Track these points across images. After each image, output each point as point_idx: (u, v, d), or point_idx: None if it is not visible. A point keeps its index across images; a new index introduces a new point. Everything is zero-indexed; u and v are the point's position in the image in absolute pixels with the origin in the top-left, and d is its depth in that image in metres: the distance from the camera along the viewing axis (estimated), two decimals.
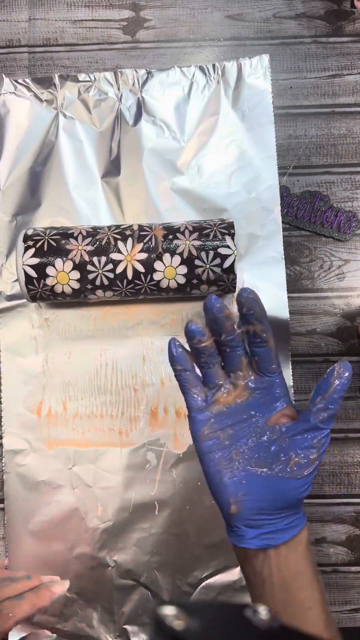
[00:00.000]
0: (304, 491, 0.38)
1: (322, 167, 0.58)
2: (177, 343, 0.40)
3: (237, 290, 0.50)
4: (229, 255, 0.49)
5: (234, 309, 0.56)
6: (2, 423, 0.56)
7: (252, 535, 0.37)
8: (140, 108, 0.58)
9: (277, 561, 0.38)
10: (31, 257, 0.49)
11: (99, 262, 0.49)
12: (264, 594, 0.38)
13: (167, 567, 0.55)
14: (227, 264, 0.49)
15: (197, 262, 0.49)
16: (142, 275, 0.49)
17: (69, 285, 0.49)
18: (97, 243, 0.49)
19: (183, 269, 0.49)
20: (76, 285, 0.50)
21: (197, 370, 0.40)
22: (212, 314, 0.38)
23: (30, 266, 0.49)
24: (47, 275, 0.49)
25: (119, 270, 0.49)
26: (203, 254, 0.49)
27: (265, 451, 0.39)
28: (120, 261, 0.49)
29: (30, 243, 0.49)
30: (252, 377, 0.40)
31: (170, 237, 0.50)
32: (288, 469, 0.37)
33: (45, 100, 0.58)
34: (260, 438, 0.39)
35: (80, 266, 0.49)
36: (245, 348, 0.40)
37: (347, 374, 0.37)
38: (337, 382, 0.37)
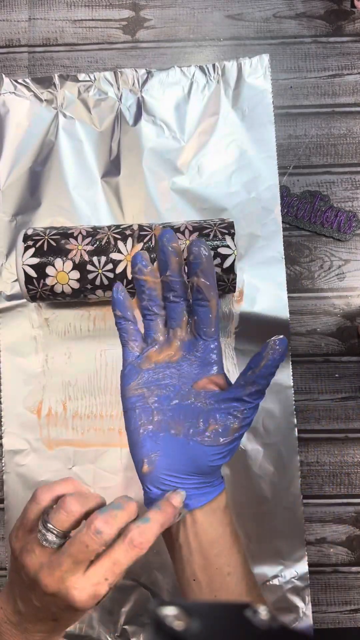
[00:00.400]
0: (218, 460, 0.37)
1: (322, 167, 0.58)
2: (121, 287, 0.40)
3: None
4: (229, 255, 0.49)
5: (234, 308, 0.56)
6: (2, 423, 0.56)
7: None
8: (140, 108, 0.58)
9: (193, 527, 0.38)
10: (31, 257, 0.49)
11: (99, 262, 0.49)
12: (182, 559, 0.38)
13: (167, 567, 0.55)
14: (227, 263, 0.49)
15: None
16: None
17: (69, 285, 0.49)
18: (97, 243, 0.49)
19: None
20: (76, 285, 0.50)
21: (140, 326, 0.41)
22: (161, 243, 0.37)
23: (30, 266, 0.49)
24: (47, 275, 0.49)
25: (118, 270, 0.49)
26: None
27: (186, 415, 0.38)
28: (120, 261, 0.49)
29: (30, 243, 0.49)
30: (187, 339, 0.40)
31: None
32: (205, 435, 0.37)
33: (45, 100, 0.58)
34: (184, 401, 0.39)
35: (80, 266, 0.49)
36: (190, 306, 0.39)
37: (280, 349, 0.36)
38: (269, 356, 0.36)
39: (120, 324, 0.40)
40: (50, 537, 0.34)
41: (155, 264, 0.39)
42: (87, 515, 0.35)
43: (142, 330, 0.41)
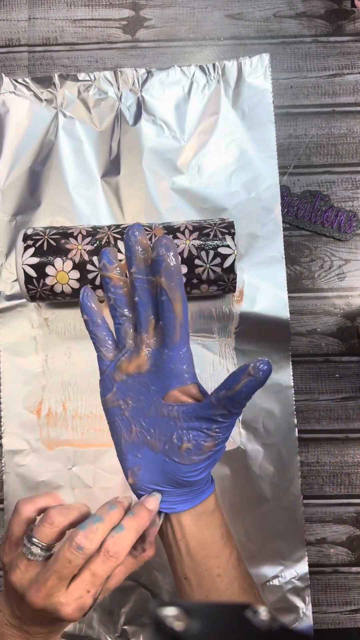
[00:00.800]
0: (195, 476, 0.37)
1: (323, 166, 0.58)
2: (89, 291, 0.39)
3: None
4: (229, 255, 0.49)
5: (234, 308, 0.56)
6: (2, 423, 0.56)
7: None
8: (140, 107, 0.58)
9: (180, 530, 0.38)
10: (31, 256, 0.49)
11: (99, 262, 0.49)
12: (173, 558, 0.39)
13: (167, 568, 0.54)
14: (227, 263, 0.49)
15: (197, 261, 0.49)
16: None
17: (69, 284, 0.49)
18: (97, 242, 0.49)
19: (183, 269, 0.49)
20: (76, 285, 0.49)
21: (110, 331, 0.39)
22: (126, 237, 0.36)
23: (30, 266, 0.49)
24: (47, 275, 0.49)
25: None
26: (203, 254, 0.49)
27: (160, 430, 0.37)
28: (120, 261, 0.49)
29: (30, 242, 0.49)
30: (154, 346, 0.37)
31: (170, 236, 0.49)
32: (179, 454, 0.36)
33: (45, 100, 0.58)
34: (158, 415, 0.37)
35: (80, 266, 0.49)
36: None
37: (260, 377, 0.32)
38: (245, 382, 0.32)
39: (89, 328, 0.39)
40: (35, 550, 0.34)
41: (123, 261, 0.37)
42: (71, 526, 0.35)
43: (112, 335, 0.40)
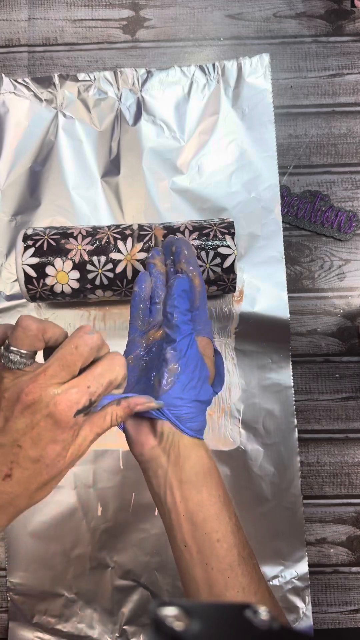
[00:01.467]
0: (178, 399, 0.39)
1: (323, 166, 0.58)
2: (151, 271, 0.45)
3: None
4: (229, 255, 0.49)
5: (234, 308, 0.56)
6: None
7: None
8: (140, 107, 0.58)
9: (180, 491, 0.38)
10: (31, 256, 0.49)
11: (99, 262, 0.49)
12: (172, 525, 0.39)
13: (167, 568, 0.54)
14: (227, 263, 0.49)
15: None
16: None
17: (69, 284, 0.49)
18: (97, 243, 0.49)
19: None
20: (76, 285, 0.49)
21: (148, 309, 0.44)
22: (168, 240, 0.45)
23: (30, 266, 0.49)
24: (47, 275, 0.49)
25: (118, 269, 0.49)
26: (203, 254, 0.49)
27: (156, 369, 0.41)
28: (120, 261, 0.49)
29: (30, 243, 0.49)
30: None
31: (170, 236, 0.49)
32: (159, 387, 0.40)
33: (44, 100, 0.58)
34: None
35: (79, 266, 0.49)
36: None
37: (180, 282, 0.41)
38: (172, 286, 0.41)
39: (134, 298, 0.44)
40: (14, 357, 0.33)
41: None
42: (44, 333, 0.35)
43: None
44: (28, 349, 0.34)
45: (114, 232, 0.50)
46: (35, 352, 0.34)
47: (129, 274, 0.49)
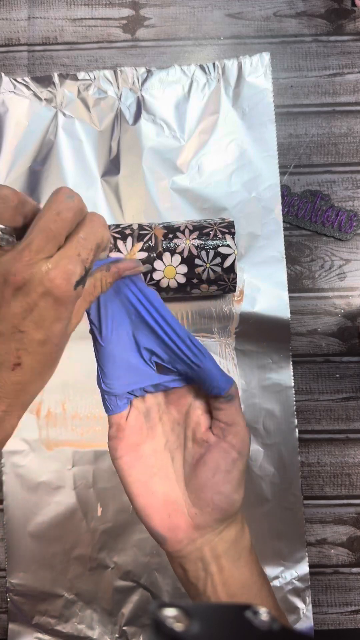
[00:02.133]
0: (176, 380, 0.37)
1: (323, 166, 0.58)
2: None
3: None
4: (230, 255, 0.49)
5: (234, 308, 0.56)
6: None
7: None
8: (140, 107, 0.57)
9: (220, 575, 0.36)
10: None
11: None
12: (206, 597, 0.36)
13: (167, 569, 0.54)
14: (227, 263, 0.49)
15: (197, 261, 0.49)
16: (141, 274, 0.49)
17: None
18: None
19: (183, 268, 0.49)
20: None
21: None
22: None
23: None
24: None
25: None
26: (203, 253, 0.49)
27: None
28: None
29: None
30: None
31: (170, 236, 0.49)
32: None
33: (44, 99, 0.58)
34: None
35: None
36: None
37: None
38: None
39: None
40: None
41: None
42: (24, 205, 0.32)
43: None
44: (8, 224, 0.30)
45: (113, 232, 0.50)
46: (15, 230, 0.31)
47: None
